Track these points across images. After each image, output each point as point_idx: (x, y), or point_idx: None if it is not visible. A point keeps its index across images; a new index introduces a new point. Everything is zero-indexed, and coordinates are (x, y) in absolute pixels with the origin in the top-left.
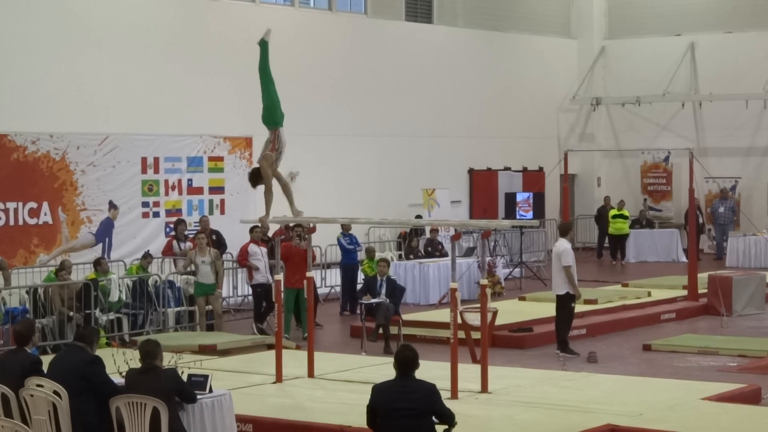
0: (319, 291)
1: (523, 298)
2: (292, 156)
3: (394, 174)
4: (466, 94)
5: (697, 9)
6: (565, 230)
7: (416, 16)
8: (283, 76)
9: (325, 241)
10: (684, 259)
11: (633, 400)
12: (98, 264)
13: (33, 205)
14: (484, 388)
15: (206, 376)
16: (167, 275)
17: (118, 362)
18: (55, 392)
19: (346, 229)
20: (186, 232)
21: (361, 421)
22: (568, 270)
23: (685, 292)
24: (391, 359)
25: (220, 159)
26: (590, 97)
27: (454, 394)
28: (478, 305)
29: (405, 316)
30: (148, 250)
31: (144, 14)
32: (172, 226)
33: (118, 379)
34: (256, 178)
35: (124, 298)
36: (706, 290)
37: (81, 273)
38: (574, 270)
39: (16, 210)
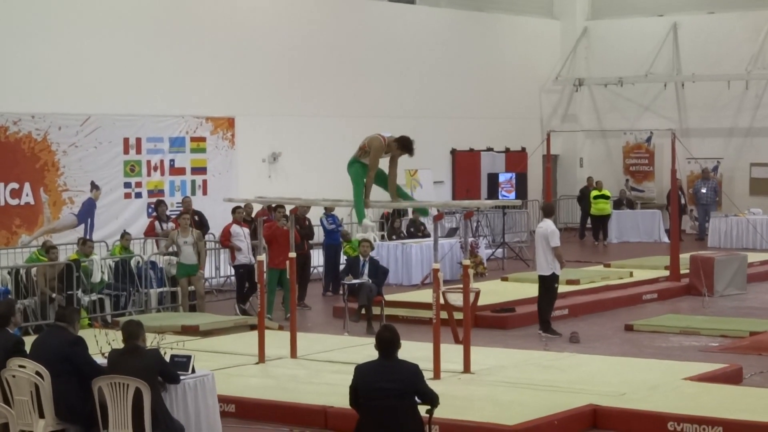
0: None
1: (505, 279)
2: (275, 136)
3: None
4: (449, 74)
5: None
6: (549, 211)
7: None
8: (266, 57)
9: None
10: (666, 239)
11: (615, 380)
12: (83, 244)
13: (15, 185)
14: (467, 369)
15: (189, 357)
16: (149, 256)
17: (100, 343)
18: (38, 373)
19: (328, 210)
20: (168, 213)
21: (344, 401)
22: (558, 250)
23: (667, 273)
24: (374, 340)
25: (203, 139)
26: (573, 77)
27: (437, 375)
28: (461, 286)
29: (387, 297)
30: (125, 230)
31: None
32: (153, 206)
33: (101, 360)
34: None
35: (106, 278)
36: (688, 271)
37: (63, 254)
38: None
39: None
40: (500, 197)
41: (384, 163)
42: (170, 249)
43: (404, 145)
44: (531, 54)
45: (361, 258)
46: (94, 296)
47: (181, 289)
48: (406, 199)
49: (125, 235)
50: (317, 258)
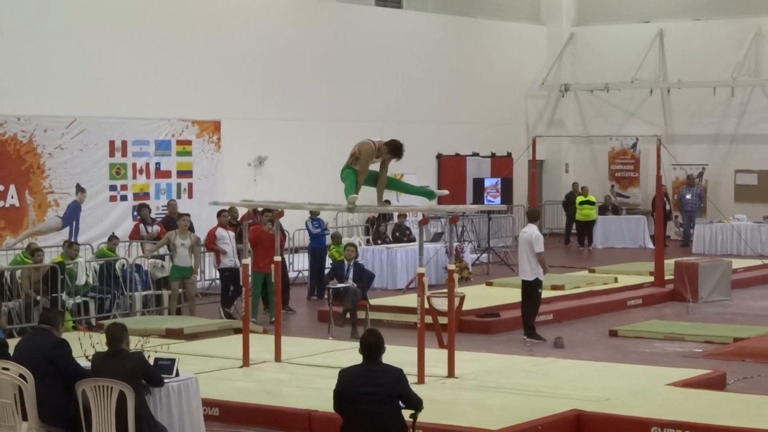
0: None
1: (490, 284)
2: (261, 140)
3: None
4: (435, 79)
5: None
6: (534, 216)
7: (386, 1)
8: (252, 60)
9: (293, 226)
10: (651, 245)
11: (599, 385)
12: (69, 247)
13: None
14: (451, 373)
15: (173, 360)
16: (134, 259)
17: (84, 346)
18: (21, 375)
19: (314, 213)
20: (153, 216)
21: (328, 405)
22: (541, 256)
23: (651, 279)
24: (358, 344)
25: (188, 143)
26: (559, 83)
27: (421, 379)
28: (446, 290)
29: (372, 301)
30: (114, 233)
31: None
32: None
33: (85, 363)
34: None
35: (91, 281)
36: (672, 276)
37: (48, 256)
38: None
39: None
40: (485, 202)
41: (374, 168)
42: (158, 252)
43: (394, 149)
44: (517, 59)
45: (346, 262)
46: (79, 299)
47: (173, 292)
48: (403, 190)
49: (113, 239)
50: (302, 262)
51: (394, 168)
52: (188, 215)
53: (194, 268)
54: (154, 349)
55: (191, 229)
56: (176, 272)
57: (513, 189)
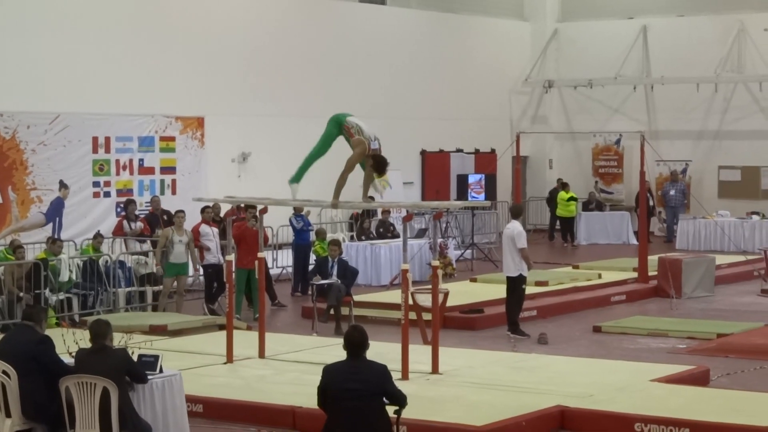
0: (271, 272)
1: (474, 280)
2: (245, 136)
3: (346, 155)
4: (419, 75)
5: None
6: (517, 212)
7: None
8: (236, 57)
9: (277, 222)
10: (634, 241)
11: (583, 381)
12: (53, 243)
13: None
14: (435, 369)
15: (157, 357)
16: (118, 255)
17: (67, 342)
18: (4, 372)
19: (297, 210)
20: (136, 212)
21: (312, 402)
22: (524, 252)
23: (635, 275)
24: (342, 340)
25: (172, 139)
26: (543, 79)
27: (405, 375)
28: (430, 286)
29: (356, 297)
30: (99, 230)
31: None
32: (123, 206)
33: (68, 359)
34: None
35: (74, 278)
36: (656, 272)
37: (31, 253)
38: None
39: None
40: (469, 198)
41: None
42: (140, 248)
43: (377, 165)
44: (501, 55)
45: (330, 258)
46: (62, 295)
47: (165, 288)
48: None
49: (98, 237)
50: (287, 258)
51: None
52: (183, 211)
53: (194, 264)
54: (137, 346)
55: (169, 224)
56: (171, 269)
57: (497, 185)
